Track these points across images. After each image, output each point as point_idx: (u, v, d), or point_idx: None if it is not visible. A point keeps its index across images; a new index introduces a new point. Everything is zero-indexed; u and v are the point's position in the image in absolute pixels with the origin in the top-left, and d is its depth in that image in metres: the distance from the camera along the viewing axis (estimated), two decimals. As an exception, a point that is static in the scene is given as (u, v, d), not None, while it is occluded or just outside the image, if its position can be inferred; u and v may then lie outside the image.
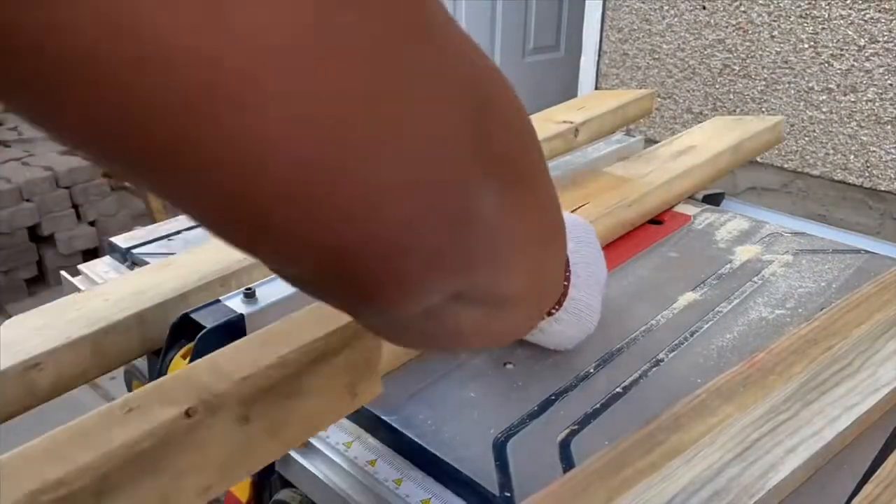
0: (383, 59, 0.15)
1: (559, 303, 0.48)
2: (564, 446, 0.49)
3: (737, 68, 1.90)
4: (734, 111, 1.93)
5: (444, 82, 0.18)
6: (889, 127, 1.71)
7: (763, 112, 1.88)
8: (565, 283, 0.47)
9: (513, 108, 0.23)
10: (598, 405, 0.53)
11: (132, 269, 0.71)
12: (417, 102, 0.17)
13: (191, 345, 0.53)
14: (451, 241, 0.20)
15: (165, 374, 0.53)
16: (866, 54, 1.69)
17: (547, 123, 0.85)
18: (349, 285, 0.19)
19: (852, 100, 1.74)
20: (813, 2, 1.73)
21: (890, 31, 1.64)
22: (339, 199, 0.16)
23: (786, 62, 1.82)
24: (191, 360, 0.52)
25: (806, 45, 1.77)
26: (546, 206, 0.27)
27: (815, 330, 0.52)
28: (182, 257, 0.65)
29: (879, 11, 1.64)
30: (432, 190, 0.18)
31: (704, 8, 1.91)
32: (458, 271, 0.21)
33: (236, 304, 0.57)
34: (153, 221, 1.56)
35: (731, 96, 1.93)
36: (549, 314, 0.49)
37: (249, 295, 0.57)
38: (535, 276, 0.27)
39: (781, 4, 1.78)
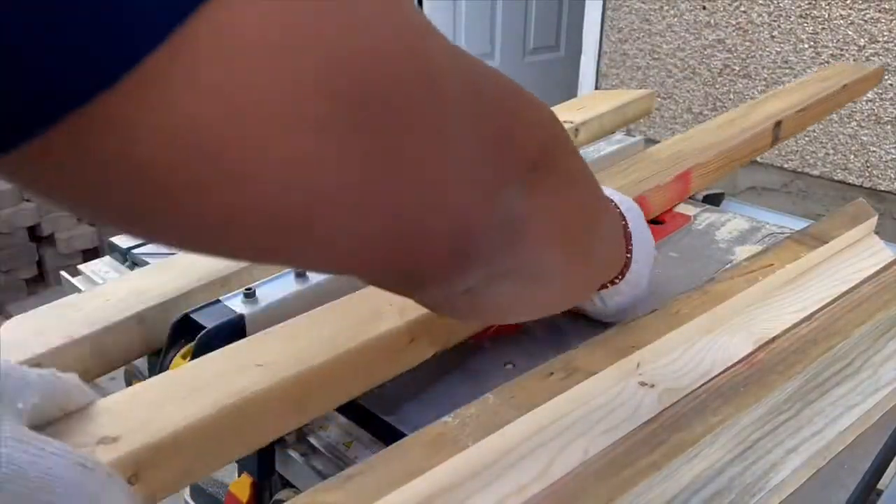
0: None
1: (622, 273, 0.47)
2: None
3: (737, 68, 1.90)
4: (734, 111, 1.93)
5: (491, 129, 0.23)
6: (889, 127, 1.71)
7: (763, 112, 1.88)
8: (627, 254, 0.46)
9: (535, 105, 0.26)
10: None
11: (132, 269, 0.71)
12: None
13: (191, 345, 0.53)
14: (495, 238, 0.24)
15: (166, 373, 0.53)
16: (866, 54, 1.69)
17: (547, 123, 0.85)
18: (407, 278, 0.23)
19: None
20: (813, 2, 1.73)
21: (890, 31, 1.64)
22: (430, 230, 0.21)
23: (786, 62, 1.82)
24: (191, 360, 0.52)
25: (806, 45, 1.77)
26: (580, 188, 0.29)
27: (816, 330, 0.52)
28: (182, 257, 0.65)
29: (879, 11, 1.64)
30: (484, 203, 0.23)
31: (704, 8, 1.91)
32: (489, 260, 0.24)
33: (236, 304, 0.57)
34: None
35: (731, 96, 1.93)
36: (613, 283, 0.48)
37: (249, 295, 0.57)
38: (575, 250, 0.29)
39: (781, 4, 1.78)
